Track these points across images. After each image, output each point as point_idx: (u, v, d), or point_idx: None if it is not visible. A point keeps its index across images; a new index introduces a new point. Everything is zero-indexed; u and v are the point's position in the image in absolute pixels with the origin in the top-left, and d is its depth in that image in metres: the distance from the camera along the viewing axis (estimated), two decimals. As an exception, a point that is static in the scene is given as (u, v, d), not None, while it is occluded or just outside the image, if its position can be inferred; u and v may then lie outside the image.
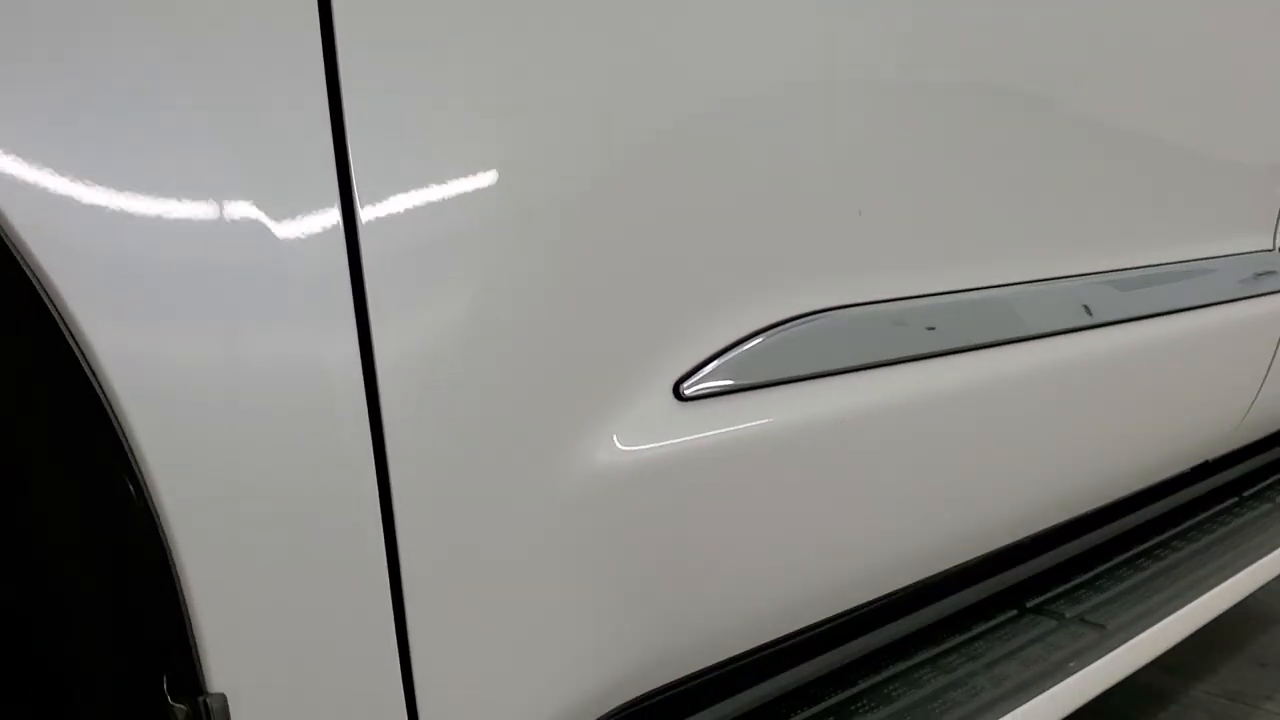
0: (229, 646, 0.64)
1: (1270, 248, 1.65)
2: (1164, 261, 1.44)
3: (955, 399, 1.11)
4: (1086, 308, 1.31)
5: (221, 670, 0.64)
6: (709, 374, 0.90)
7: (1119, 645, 1.34)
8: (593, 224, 0.80)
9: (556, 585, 0.83)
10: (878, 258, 1.03)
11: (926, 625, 1.39)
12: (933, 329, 1.08)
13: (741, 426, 0.92)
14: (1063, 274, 1.29)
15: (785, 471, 0.96)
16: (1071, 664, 1.29)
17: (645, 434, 0.86)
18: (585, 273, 0.80)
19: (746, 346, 0.92)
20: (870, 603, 1.25)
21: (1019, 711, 1.20)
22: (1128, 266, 1.39)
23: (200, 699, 0.64)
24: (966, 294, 1.11)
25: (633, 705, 1.05)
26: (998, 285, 1.16)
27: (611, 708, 0.99)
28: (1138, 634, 1.38)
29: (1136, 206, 1.40)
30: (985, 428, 1.18)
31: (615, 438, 0.84)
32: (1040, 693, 1.23)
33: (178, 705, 0.65)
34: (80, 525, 0.66)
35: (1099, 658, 1.31)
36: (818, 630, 1.24)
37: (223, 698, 0.65)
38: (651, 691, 1.05)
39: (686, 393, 0.88)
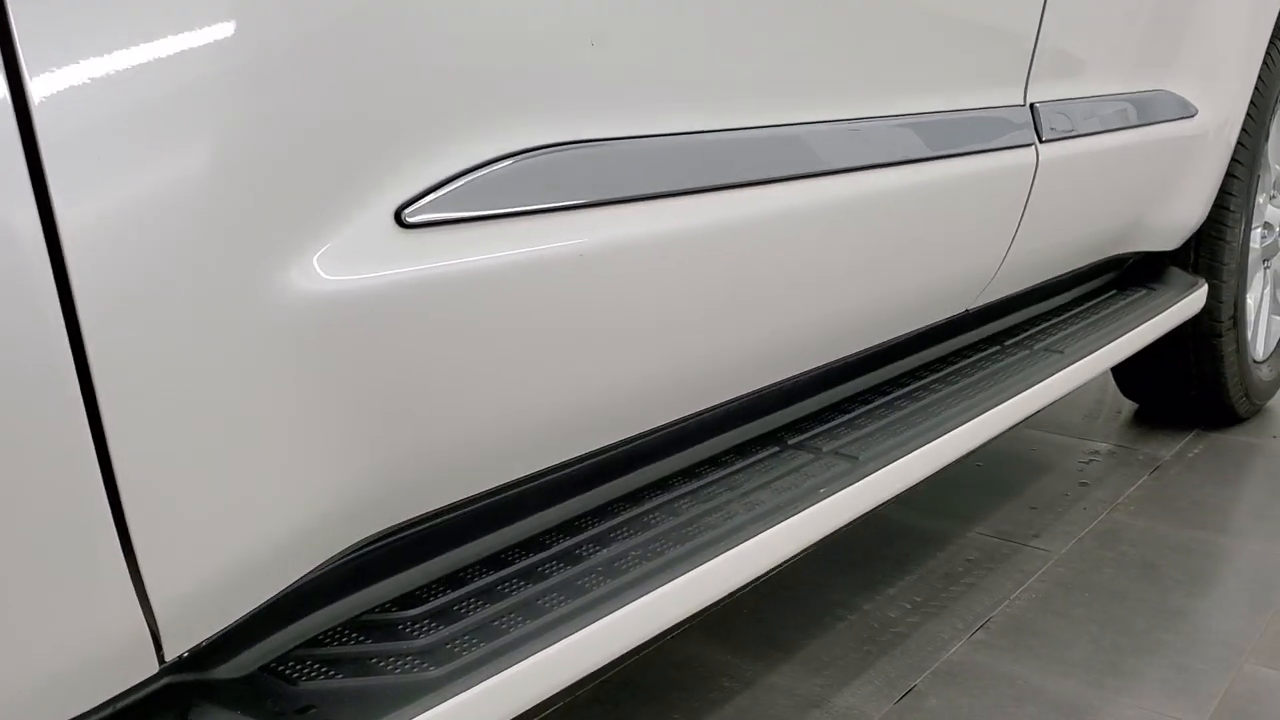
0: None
1: (1021, 103, 1.74)
2: (915, 111, 1.51)
3: (701, 239, 1.16)
4: (838, 151, 1.37)
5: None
6: (433, 202, 0.91)
7: (869, 474, 1.44)
8: (298, 42, 0.80)
9: (273, 414, 0.84)
10: (611, 93, 1.05)
11: (691, 464, 1.45)
12: (679, 166, 1.12)
13: (470, 258, 0.94)
14: (814, 119, 1.34)
15: (517, 305, 0.98)
16: (822, 490, 1.37)
17: (365, 262, 0.87)
18: (290, 94, 0.80)
19: (474, 176, 0.94)
20: (626, 441, 1.31)
21: (769, 534, 1.28)
22: (879, 114, 1.45)
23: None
24: (724, 134, 1.14)
25: (379, 540, 1.08)
26: (746, 128, 1.20)
27: (357, 540, 1.02)
28: (887, 465, 1.47)
29: (891, 56, 1.45)
30: (736, 267, 1.23)
31: (329, 265, 0.85)
32: (790, 516, 1.32)
33: None
34: None
35: (848, 486, 1.39)
36: (577, 467, 1.29)
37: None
38: (398, 526, 1.08)
39: (409, 220, 0.90)
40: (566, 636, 1.06)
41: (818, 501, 1.36)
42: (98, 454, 0.72)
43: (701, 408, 1.36)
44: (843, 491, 1.39)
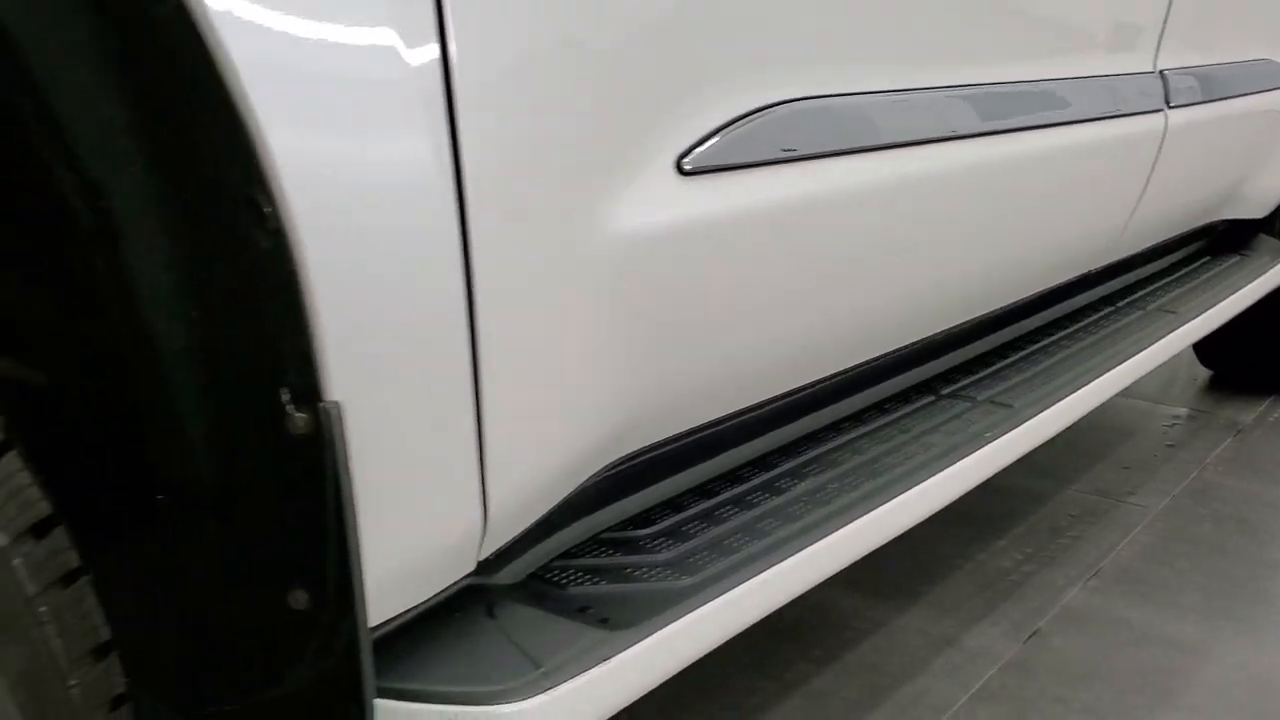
0: (344, 361, 0.74)
1: (1151, 70, 1.82)
2: (1046, 78, 1.59)
3: (905, 190, 1.25)
4: (984, 115, 1.45)
5: (337, 382, 0.74)
6: (705, 151, 1.00)
7: (1027, 420, 1.53)
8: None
9: (581, 336, 0.94)
10: (848, 55, 1.14)
11: (857, 410, 1.55)
12: (880, 123, 1.21)
13: (734, 202, 1.03)
14: (963, 82, 1.42)
15: (771, 245, 1.08)
16: (988, 434, 1.46)
17: (652, 205, 0.97)
18: (599, 56, 0.89)
19: (738, 127, 1.03)
20: (813, 384, 1.40)
21: (947, 472, 1.38)
22: (1010, 80, 1.53)
23: (319, 406, 0.74)
24: (916, 93, 1.23)
25: (625, 462, 1.18)
26: (931, 88, 1.29)
27: (609, 461, 1.12)
28: (1042, 411, 1.56)
29: (1025, 27, 1.54)
30: (927, 219, 1.32)
31: (627, 207, 0.94)
32: (964, 456, 1.41)
33: (299, 415, 0.75)
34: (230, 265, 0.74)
35: (1011, 429, 1.49)
36: (770, 407, 1.39)
37: (339, 405, 0.74)
38: (638, 451, 1.18)
39: (687, 167, 0.99)
40: (791, 555, 1.16)
41: (986, 443, 1.45)
42: (472, 364, 0.82)
43: (877, 354, 1.45)
44: (1007, 435, 1.48)
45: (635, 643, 0.99)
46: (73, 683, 0.66)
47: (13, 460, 0.64)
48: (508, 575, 1.08)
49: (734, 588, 1.09)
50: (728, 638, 1.11)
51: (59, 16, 0.72)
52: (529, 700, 0.91)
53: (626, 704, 1.01)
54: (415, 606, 0.91)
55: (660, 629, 1.01)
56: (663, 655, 1.02)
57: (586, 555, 1.14)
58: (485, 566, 1.03)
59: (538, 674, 0.93)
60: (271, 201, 0.68)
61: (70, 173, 0.77)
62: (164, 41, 0.67)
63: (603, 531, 1.19)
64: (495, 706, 0.90)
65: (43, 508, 0.66)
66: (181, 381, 0.82)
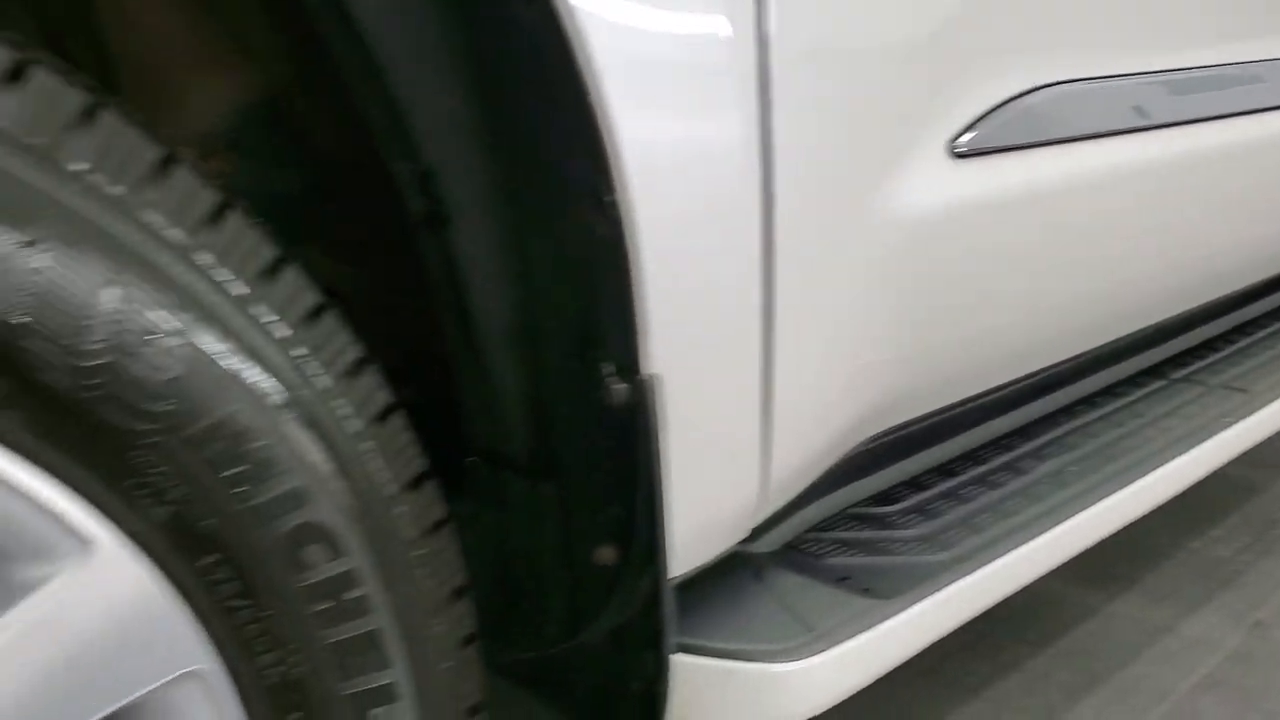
0: (663, 337, 0.79)
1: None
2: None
3: (1161, 173, 1.24)
4: (1242, 94, 1.43)
5: (657, 356, 0.79)
6: (976, 135, 1.03)
7: (1266, 404, 1.50)
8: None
9: (860, 314, 0.98)
10: (1104, 39, 1.14)
11: (1088, 394, 1.54)
12: (1139, 107, 1.21)
13: (1001, 184, 1.05)
14: (1223, 61, 1.40)
15: (1034, 227, 1.10)
16: (1226, 419, 1.44)
17: (926, 187, 1.00)
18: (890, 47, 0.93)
19: (1004, 110, 1.05)
20: (1050, 367, 1.41)
21: (1189, 456, 1.37)
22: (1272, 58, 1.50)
23: (639, 378, 0.80)
24: (1179, 73, 1.23)
25: (873, 440, 1.22)
26: (1194, 68, 1.28)
27: (866, 437, 1.16)
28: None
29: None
30: (1174, 202, 1.31)
31: (904, 188, 0.98)
32: (1204, 441, 1.39)
33: (619, 386, 0.81)
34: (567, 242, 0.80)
35: (1252, 413, 1.46)
36: (1006, 390, 1.40)
37: (658, 378, 0.80)
38: (886, 430, 1.21)
39: (959, 150, 1.02)
40: (1039, 535, 1.17)
41: (1225, 428, 1.43)
42: (766, 339, 0.87)
43: (1119, 336, 1.45)
44: (1246, 420, 1.46)
45: (898, 612, 1.03)
46: (438, 621, 0.74)
47: (399, 419, 0.72)
48: (765, 544, 1.13)
49: (987, 564, 1.12)
50: (980, 612, 1.14)
51: (412, 12, 0.79)
52: (803, 661, 0.96)
53: (886, 671, 1.05)
54: (698, 568, 0.97)
55: (920, 601, 1.05)
56: (922, 626, 1.06)
57: (837, 529, 1.18)
58: (750, 535, 1.09)
59: (810, 636, 0.98)
60: (613, 191, 0.73)
61: (406, 163, 0.85)
62: (522, 39, 0.73)
63: (850, 507, 1.23)
64: (772, 665, 0.95)
65: (418, 464, 0.73)
66: (500, 355, 0.89)
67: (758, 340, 0.86)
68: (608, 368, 0.81)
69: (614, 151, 0.73)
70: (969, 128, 1.02)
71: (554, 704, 1.02)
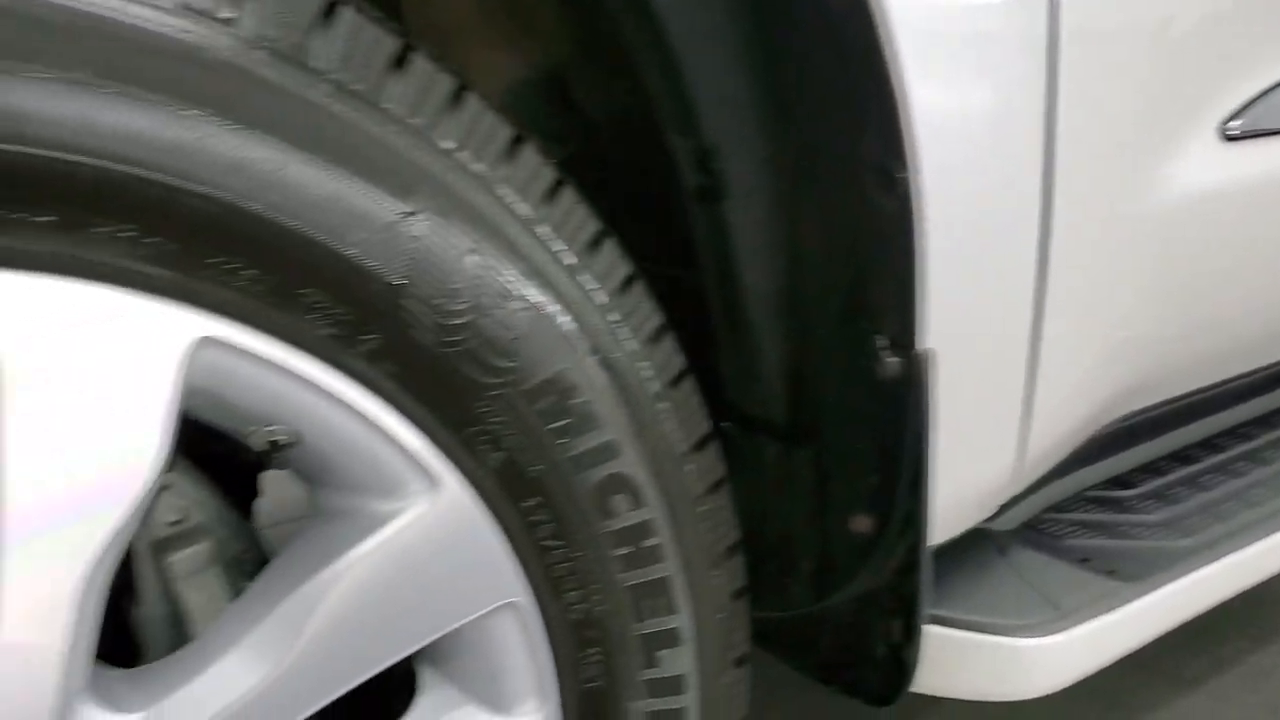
0: (940, 312, 0.82)
1: None
2: None
3: None
4: None
5: (932, 331, 0.82)
6: (1247, 116, 1.01)
7: None
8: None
9: (1125, 294, 0.97)
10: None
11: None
12: None
13: (1268, 166, 1.03)
14: None
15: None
16: None
17: (1196, 169, 0.98)
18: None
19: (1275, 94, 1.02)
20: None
21: None
22: None
23: (913, 352, 0.82)
24: None
25: (1118, 422, 1.21)
26: None
27: (1113, 418, 1.15)
28: None
29: None
30: None
31: (1174, 169, 0.97)
32: None
33: (892, 359, 0.84)
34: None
35: None
36: (1244, 378, 1.36)
37: (931, 353, 0.82)
38: (1130, 413, 1.20)
39: (1230, 133, 1.00)
40: (1287, 527, 1.15)
41: None
42: (1035, 320, 0.88)
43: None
44: None
45: (1142, 595, 1.03)
46: (716, 573, 0.79)
47: (690, 383, 0.77)
48: (1004, 522, 1.14)
49: (1234, 552, 1.10)
50: (1221, 601, 1.12)
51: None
52: (1048, 638, 0.97)
53: (1127, 653, 1.05)
54: (947, 540, 0.99)
55: (1165, 585, 1.04)
56: (1165, 610, 1.05)
57: (1075, 510, 1.18)
58: (995, 511, 1.10)
59: (1056, 614, 0.99)
60: (905, 168, 0.76)
61: (686, 139, 0.89)
62: (819, 16, 0.76)
63: (1086, 489, 1.23)
64: (1018, 640, 0.97)
65: (705, 426, 0.78)
66: (763, 324, 0.93)
67: (1029, 317, 0.87)
68: (881, 340, 0.84)
69: (908, 129, 0.75)
70: (1241, 110, 1.00)
71: (796, 664, 1.06)
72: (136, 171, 0.51)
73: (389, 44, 0.60)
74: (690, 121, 0.88)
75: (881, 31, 0.73)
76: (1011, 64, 0.80)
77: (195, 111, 0.52)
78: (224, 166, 0.53)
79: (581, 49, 0.99)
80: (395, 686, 0.79)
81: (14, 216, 0.50)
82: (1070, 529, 1.14)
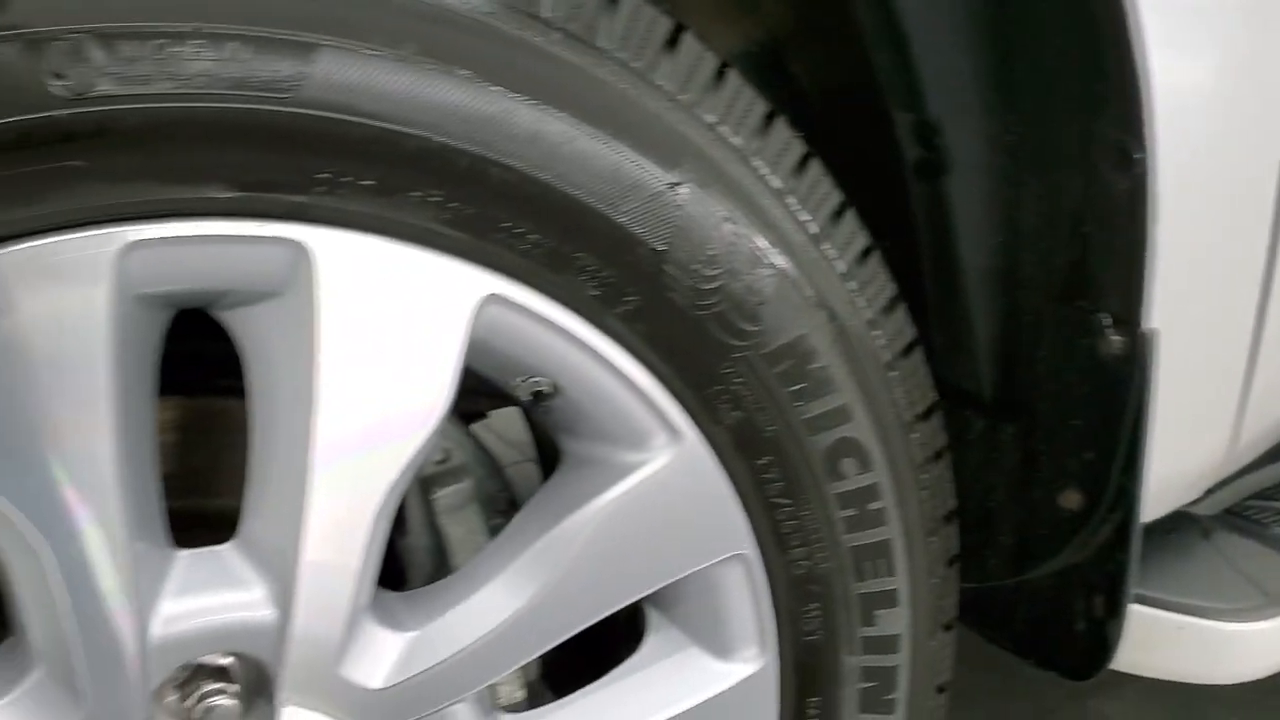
0: (1166, 292, 0.82)
1: None
2: None
3: None
4: None
5: (1158, 310, 0.82)
6: None
7: None
8: None
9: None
10: None
11: None
12: None
13: None
14: None
15: None
16: None
17: None
18: None
19: None
20: None
21: None
22: None
23: (1138, 331, 0.83)
24: None
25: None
26: None
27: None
28: None
29: None
30: None
31: None
32: None
33: (1115, 338, 0.84)
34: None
35: None
36: None
37: (1155, 333, 0.83)
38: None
39: None
40: None
41: None
42: (1261, 301, 0.87)
43: None
44: None
45: (1357, 588, 1.01)
46: (933, 539, 0.81)
47: (919, 354, 0.79)
48: (1208, 506, 1.12)
49: None
50: None
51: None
52: (1258, 623, 0.96)
53: (1336, 647, 1.03)
54: (1151, 521, 0.99)
55: (1379, 578, 1.02)
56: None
57: (1278, 499, 1.16)
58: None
59: (1265, 600, 0.98)
60: (1143, 148, 0.76)
61: (909, 114, 0.91)
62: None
63: (1291, 478, 1.20)
64: (1225, 624, 0.96)
65: (930, 396, 0.80)
66: (977, 298, 0.94)
67: (1255, 298, 0.87)
68: (1104, 319, 0.84)
69: (1148, 107, 0.75)
70: None
71: (990, 635, 1.07)
72: (450, 142, 0.57)
73: (664, 24, 0.63)
74: (915, 96, 0.89)
75: (1127, 5, 0.73)
76: (1254, 40, 0.79)
77: (500, 87, 0.57)
78: (523, 138, 0.58)
79: (803, 22, 1.01)
80: (621, 629, 0.84)
81: (344, 180, 0.56)
82: (1275, 517, 1.12)
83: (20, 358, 0.53)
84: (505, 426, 0.91)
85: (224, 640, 0.63)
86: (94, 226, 0.53)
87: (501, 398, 0.86)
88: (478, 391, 0.70)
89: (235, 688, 0.64)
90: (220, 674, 0.64)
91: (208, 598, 0.62)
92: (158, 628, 0.60)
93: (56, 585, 0.56)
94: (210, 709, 0.63)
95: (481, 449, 0.78)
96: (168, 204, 0.54)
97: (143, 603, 0.59)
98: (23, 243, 0.52)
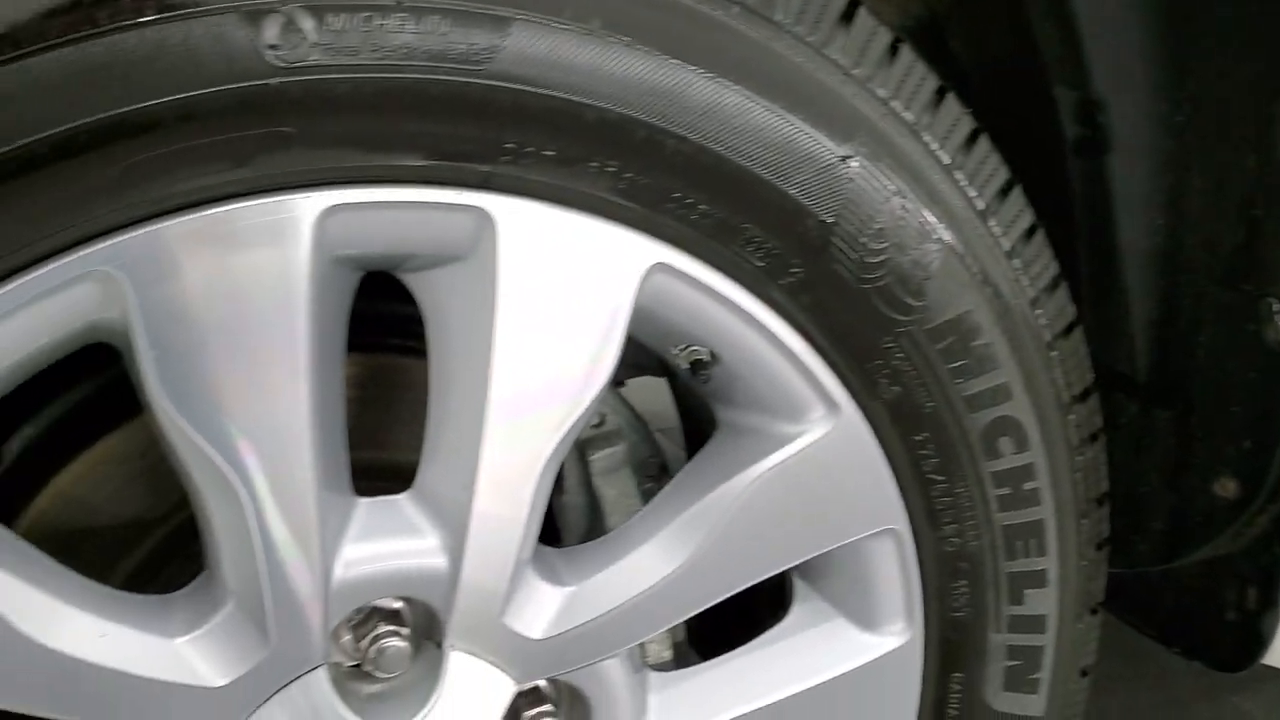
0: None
1: None
2: None
3: None
4: None
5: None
6: None
7: None
8: None
9: None
10: None
11: None
12: None
13: None
14: None
15: None
16: None
17: None
18: None
19: None
20: None
21: None
22: None
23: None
24: None
25: None
26: None
27: None
28: None
29: None
30: None
31: None
32: None
33: (1284, 320, 0.82)
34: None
35: None
36: None
37: (1328, 317, 0.80)
38: None
39: None
40: None
41: None
42: None
43: None
44: None
45: None
46: (1084, 522, 0.80)
47: (1079, 334, 0.78)
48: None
49: None
50: None
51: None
52: None
53: None
54: (1309, 514, 0.96)
55: None
56: None
57: None
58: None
59: None
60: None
61: (1072, 91, 0.89)
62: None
63: None
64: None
65: (1088, 378, 0.79)
66: (1135, 280, 0.92)
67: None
68: (1272, 304, 0.82)
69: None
70: None
71: (1134, 622, 1.06)
72: (629, 113, 0.58)
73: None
74: (1079, 72, 0.88)
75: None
76: None
77: (678, 60, 0.59)
78: (699, 110, 0.59)
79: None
80: (766, 598, 0.85)
81: (528, 150, 0.58)
82: None
83: (228, 312, 0.56)
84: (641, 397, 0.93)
85: (398, 585, 0.66)
86: (297, 190, 0.56)
87: (637, 367, 0.88)
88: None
89: (406, 631, 0.67)
90: (393, 617, 0.67)
91: (385, 544, 0.65)
92: (339, 570, 0.64)
93: (250, 526, 0.60)
94: (382, 650, 0.67)
95: (634, 414, 0.80)
96: (366, 170, 0.57)
97: (327, 546, 0.62)
98: (231, 204, 0.56)
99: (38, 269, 0.53)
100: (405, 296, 0.66)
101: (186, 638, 0.62)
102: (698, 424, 0.91)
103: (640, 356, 0.83)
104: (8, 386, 0.59)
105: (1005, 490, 0.75)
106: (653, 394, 0.94)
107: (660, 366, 0.90)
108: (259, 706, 0.64)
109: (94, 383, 0.72)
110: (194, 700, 0.62)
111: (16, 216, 0.52)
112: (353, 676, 0.68)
